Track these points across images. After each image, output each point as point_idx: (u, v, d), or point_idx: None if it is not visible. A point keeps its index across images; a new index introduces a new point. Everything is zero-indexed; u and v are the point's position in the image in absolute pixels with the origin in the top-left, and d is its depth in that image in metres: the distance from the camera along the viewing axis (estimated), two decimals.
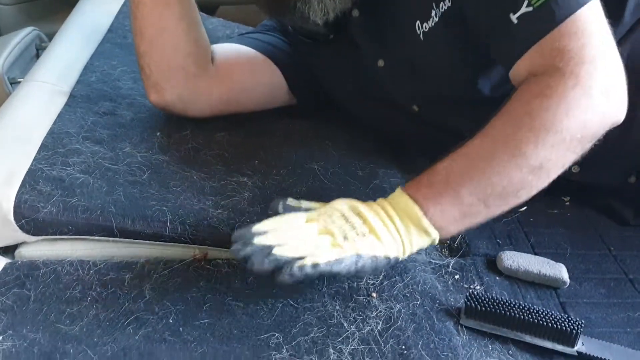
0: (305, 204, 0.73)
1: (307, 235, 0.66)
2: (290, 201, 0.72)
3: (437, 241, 0.69)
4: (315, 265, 0.63)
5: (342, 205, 0.71)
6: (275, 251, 0.63)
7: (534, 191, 0.68)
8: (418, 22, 0.81)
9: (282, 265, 0.63)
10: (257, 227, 0.66)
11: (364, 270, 0.67)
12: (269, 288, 0.72)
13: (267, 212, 0.72)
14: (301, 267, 0.63)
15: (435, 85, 0.87)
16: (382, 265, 0.68)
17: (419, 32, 0.81)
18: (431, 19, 0.79)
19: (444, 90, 0.87)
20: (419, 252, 0.78)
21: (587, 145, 0.68)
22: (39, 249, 0.77)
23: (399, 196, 0.70)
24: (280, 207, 0.71)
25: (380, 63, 0.90)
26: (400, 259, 0.70)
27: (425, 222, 0.68)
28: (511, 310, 0.68)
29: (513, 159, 0.66)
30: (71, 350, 0.64)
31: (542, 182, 0.68)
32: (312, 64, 0.99)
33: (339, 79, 0.98)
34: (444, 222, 0.68)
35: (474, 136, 0.69)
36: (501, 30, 0.71)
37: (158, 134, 0.91)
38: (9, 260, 0.74)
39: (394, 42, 0.87)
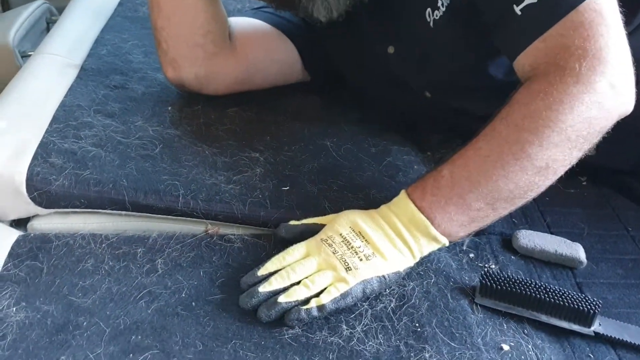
0: (305, 221, 0.73)
1: (308, 273, 0.66)
2: (292, 222, 0.73)
3: (447, 244, 0.69)
4: (321, 308, 0.63)
5: (342, 226, 0.69)
6: (280, 300, 0.63)
7: (542, 189, 0.68)
8: (429, 9, 0.79)
9: (289, 310, 0.64)
10: (262, 271, 0.67)
11: (373, 293, 0.67)
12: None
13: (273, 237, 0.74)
14: (308, 311, 0.63)
15: (447, 73, 0.85)
16: (392, 281, 0.68)
17: (429, 19, 0.79)
18: (439, 8, 0.77)
19: (456, 77, 0.86)
20: None
21: (595, 140, 0.67)
22: (52, 222, 0.76)
23: (405, 205, 0.69)
24: (283, 232, 0.72)
25: (390, 50, 0.88)
26: (412, 265, 0.69)
27: (434, 231, 0.67)
28: (527, 289, 0.67)
29: (518, 161, 0.65)
30: (84, 323, 0.63)
31: (549, 180, 0.67)
32: (325, 42, 0.97)
33: (351, 60, 0.97)
34: (452, 229, 0.68)
35: (475, 139, 0.68)
36: (505, 21, 0.69)
37: (169, 108, 0.90)
38: (21, 233, 0.73)
39: (404, 29, 0.85)
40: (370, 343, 0.63)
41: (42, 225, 0.76)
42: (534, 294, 0.66)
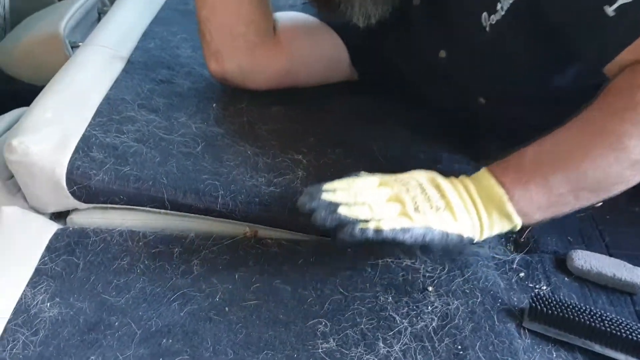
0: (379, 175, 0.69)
1: (376, 200, 0.63)
2: (364, 173, 0.69)
3: (519, 227, 0.66)
4: (378, 231, 0.60)
5: (420, 175, 0.67)
6: (340, 210, 0.61)
7: (630, 185, 0.64)
8: (485, 13, 0.74)
9: (345, 224, 0.61)
10: (327, 185, 0.64)
11: (432, 244, 0.63)
12: (319, 273, 0.69)
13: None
14: (363, 230, 0.60)
15: (504, 80, 0.81)
16: (453, 242, 0.64)
17: (485, 24, 0.75)
18: (497, 12, 0.73)
19: (513, 85, 0.81)
20: (481, 246, 0.74)
21: None
22: (91, 217, 0.76)
23: (483, 176, 0.66)
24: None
25: (442, 54, 0.84)
26: (476, 240, 0.66)
27: (509, 207, 0.64)
28: (581, 315, 0.62)
29: (613, 152, 0.62)
30: (116, 323, 0.63)
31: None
32: (376, 41, 0.94)
33: (402, 62, 0.93)
34: (530, 209, 0.65)
35: (568, 124, 0.65)
36: (593, 25, 0.65)
37: (214, 105, 0.89)
38: (60, 227, 0.73)
39: (457, 33, 0.81)
40: None
41: (81, 220, 0.76)
42: (587, 321, 0.62)
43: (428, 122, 0.94)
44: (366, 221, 0.61)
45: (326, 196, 0.62)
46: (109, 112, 0.82)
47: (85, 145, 0.75)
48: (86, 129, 0.78)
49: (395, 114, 0.95)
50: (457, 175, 0.82)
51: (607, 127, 0.62)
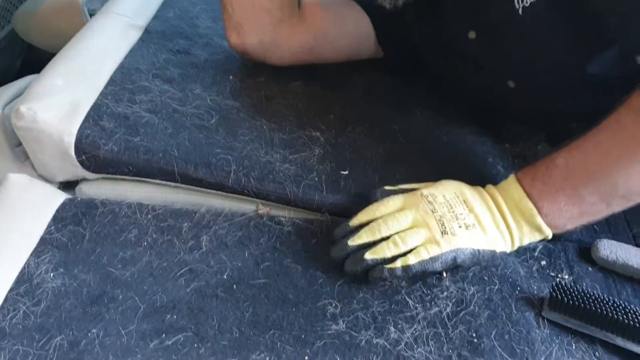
0: (403, 186, 0.69)
1: (401, 230, 0.63)
2: (387, 187, 0.70)
3: (550, 237, 0.65)
4: (406, 268, 0.61)
5: (447, 190, 0.66)
6: (366, 256, 0.62)
7: None
8: None
9: (373, 266, 0.62)
10: (353, 222, 0.66)
11: (463, 265, 0.63)
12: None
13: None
14: (391, 270, 0.61)
15: (535, 65, 0.77)
16: (486, 259, 0.64)
17: (517, 6, 0.71)
18: None
19: (544, 71, 0.77)
20: None
21: None
22: (100, 187, 0.74)
23: (513, 188, 0.65)
24: (379, 195, 0.69)
25: (472, 35, 0.80)
26: (509, 252, 0.65)
27: (539, 220, 0.63)
28: (603, 307, 0.59)
29: None
30: (120, 296, 0.61)
31: None
32: (403, 19, 0.90)
33: (430, 41, 0.90)
34: (560, 221, 0.64)
35: (597, 129, 0.62)
36: (634, 12, 0.62)
37: (231, 77, 0.86)
38: (68, 197, 0.71)
39: (488, 14, 0.77)
40: (419, 350, 0.58)
41: (90, 190, 0.74)
42: (610, 313, 0.59)
43: (453, 104, 0.90)
44: (394, 258, 0.61)
45: (352, 242, 0.63)
46: (122, 81, 0.80)
47: (95, 113, 0.73)
48: (97, 97, 0.76)
49: (419, 95, 0.92)
50: (478, 160, 0.80)
51: (637, 134, 0.59)
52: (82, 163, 0.71)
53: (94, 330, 0.57)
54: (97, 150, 0.70)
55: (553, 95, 0.79)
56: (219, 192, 0.72)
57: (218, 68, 0.88)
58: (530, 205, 0.63)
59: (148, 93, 0.79)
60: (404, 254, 0.62)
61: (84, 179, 0.75)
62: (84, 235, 0.66)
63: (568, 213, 0.63)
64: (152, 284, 0.62)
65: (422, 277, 0.64)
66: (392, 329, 0.59)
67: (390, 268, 0.61)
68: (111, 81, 0.79)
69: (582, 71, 0.73)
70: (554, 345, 0.59)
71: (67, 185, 0.76)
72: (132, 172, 0.71)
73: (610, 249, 0.69)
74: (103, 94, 0.76)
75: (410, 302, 0.62)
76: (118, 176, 0.73)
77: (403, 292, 0.63)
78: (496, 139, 0.87)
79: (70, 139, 0.70)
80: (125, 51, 0.85)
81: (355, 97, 0.88)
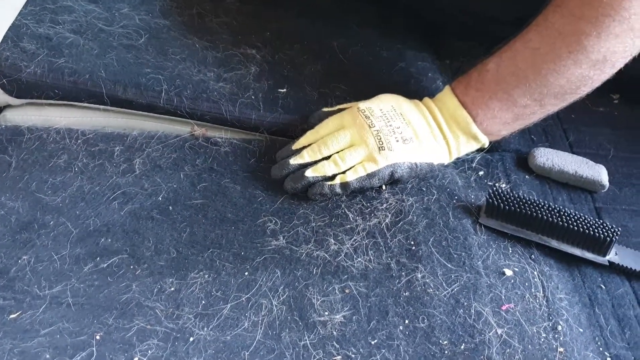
0: (341, 106, 0.69)
1: (342, 148, 0.64)
2: (325, 109, 0.69)
3: (487, 145, 0.66)
4: (344, 185, 0.62)
5: (384, 102, 0.66)
6: (307, 173, 0.62)
7: (597, 84, 0.62)
8: None
9: (314, 183, 0.63)
10: (295, 146, 0.66)
11: (401, 179, 0.64)
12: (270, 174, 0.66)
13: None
14: (331, 187, 0.62)
15: None
16: (423, 172, 0.65)
17: None
18: None
19: None
20: None
21: None
22: (26, 114, 0.71)
23: (448, 98, 0.65)
24: (317, 118, 0.68)
25: None
26: (446, 163, 0.66)
27: (474, 128, 0.64)
28: (538, 211, 0.60)
29: (572, 54, 0.58)
30: (51, 222, 0.59)
31: (606, 74, 0.61)
32: None
33: None
34: (495, 127, 0.64)
35: (525, 30, 0.62)
36: None
37: None
38: None
39: None
40: (358, 259, 0.58)
41: (15, 117, 0.71)
42: (544, 217, 0.60)
43: (391, 20, 0.88)
44: (334, 176, 0.62)
45: (294, 161, 0.64)
46: (43, 0, 0.75)
47: (14, 35, 0.69)
48: (16, 18, 0.71)
49: (358, 10, 0.89)
50: (419, 75, 0.79)
51: (564, 28, 0.59)
52: (3, 87, 0.67)
53: (24, 257, 0.56)
54: (19, 73, 0.66)
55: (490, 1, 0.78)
56: (151, 114, 0.70)
57: None
58: (465, 114, 0.63)
59: (72, 13, 0.74)
60: (344, 172, 0.62)
61: (8, 106, 0.71)
62: (10, 163, 0.64)
63: (502, 118, 0.63)
64: (84, 208, 0.61)
65: (362, 191, 0.64)
66: (332, 241, 0.59)
67: (331, 184, 0.62)
68: (30, 1, 0.74)
69: None
70: (490, 249, 0.60)
71: None
72: (59, 96, 0.68)
73: (547, 157, 0.69)
74: (22, 15, 0.72)
75: (350, 215, 0.62)
76: (44, 101, 0.69)
77: (343, 205, 0.63)
78: (437, 55, 0.86)
79: None
80: None
81: (293, 14, 0.85)
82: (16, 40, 0.68)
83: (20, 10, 0.72)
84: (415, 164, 0.63)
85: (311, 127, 0.67)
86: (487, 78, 0.63)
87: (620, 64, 0.60)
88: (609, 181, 0.68)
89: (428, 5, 0.85)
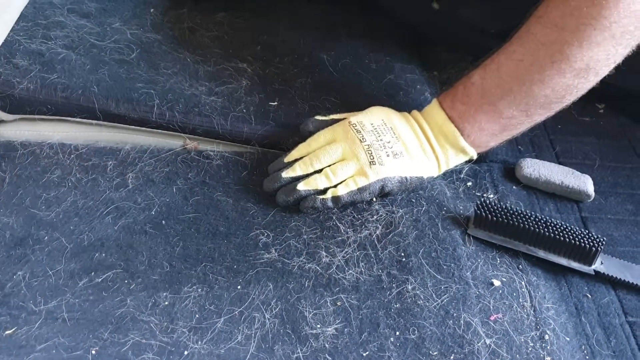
0: (334, 116, 0.70)
1: (333, 162, 0.65)
2: (318, 117, 0.70)
3: (475, 157, 0.67)
4: (336, 199, 0.63)
5: (375, 116, 0.67)
6: (299, 187, 0.63)
7: (582, 92, 0.63)
8: None
9: (306, 197, 0.63)
10: (287, 159, 0.66)
11: (391, 193, 0.65)
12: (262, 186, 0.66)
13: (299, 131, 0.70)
14: (323, 200, 0.63)
15: None
16: (413, 185, 0.66)
17: None
18: None
19: None
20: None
21: None
22: (19, 129, 0.71)
23: (435, 111, 0.66)
24: (310, 126, 0.69)
25: None
26: (435, 176, 0.67)
27: (462, 141, 0.65)
28: (525, 222, 0.61)
29: (555, 64, 0.59)
30: (45, 237, 0.60)
31: (590, 83, 0.62)
32: None
33: None
34: (483, 139, 0.65)
35: (509, 42, 0.62)
36: None
37: (152, 10, 0.83)
38: None
39: None
40: (350, 272, 0.59)
41: (8, 132, 0.71)
42: (532, 227, 0.61)
43: (380, 32, 0.90)
44: (325, 190, 0.63)
45: (286, 175, 0.64)
46: (35, 16, 0.76)
47: (7, 51, 0.70)
48: (9, 34, 0.72)
49: (347, 24, 0.90)
50: (407, 87, 0.80)
51: (546, 38, 0.59)
52: None
53: (19, 273, 0.56)
54: (12, 89, 0.67)
55: (477, 12, 0.80)
56: (144, 129, 0.70)
57: (137, 1, 0.84)
58: (453, 128, 0.64)
59: (64, 28, 0.75)
60: (335, 186, 0.63)
61: (1, 121, 0.71)
62: (3, 179, 0.64)
63: (490, 130, 0.64)
64: (78, 223, 0.61)
65: (353, 205, 0.65)
66: (323, 253, 0.60)
67: (323, 198, 0.62)
68: (22, 17, 0.75)
69: None
70: (479, 260, 0.61)
71: None
72: (51, 112, 0.69)
73: (534, 167, 0.71)
74: (14, 31, 0.73)
75: (342, 227, 0.63)
76: (37, 116, 0.70)
77: (334, 218, 0.64)
78: (424, 66, 0.87)
79: None
80: None
81: (282, 27, 0.86)
82: (9, 57, 0.69)
83: (13, 27, 0.73)
84: (406, 178, 0.64)
85: (303, 135, 0.68)
86: (472, 91, 0.64)
87: (604, 72, 0.61)
88: (595, 191, 0.70)
89: (416, 17, 0.86)
